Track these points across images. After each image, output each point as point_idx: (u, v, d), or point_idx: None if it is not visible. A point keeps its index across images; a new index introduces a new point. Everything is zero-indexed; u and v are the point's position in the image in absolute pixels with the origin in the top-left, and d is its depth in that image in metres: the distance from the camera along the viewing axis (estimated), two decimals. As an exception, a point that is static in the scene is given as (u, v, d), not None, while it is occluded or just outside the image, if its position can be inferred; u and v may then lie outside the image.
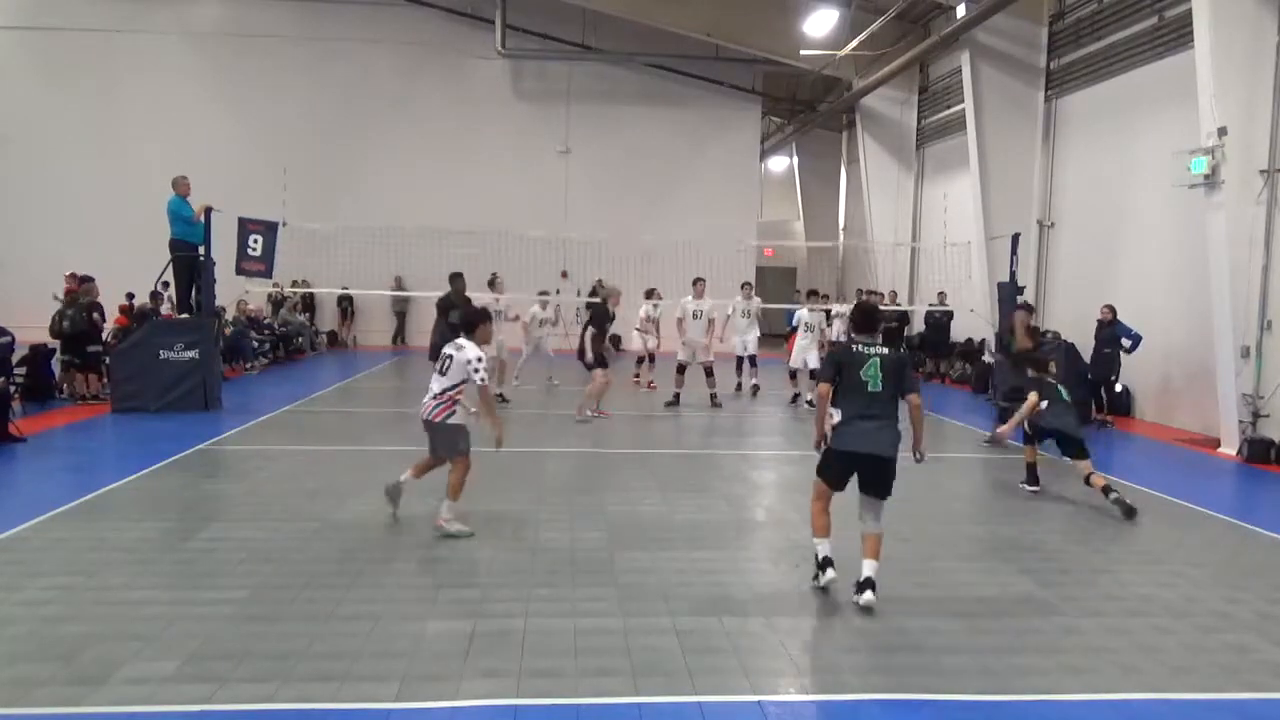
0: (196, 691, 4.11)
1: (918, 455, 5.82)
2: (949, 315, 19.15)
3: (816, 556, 5.68)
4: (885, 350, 5.70)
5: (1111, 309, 13.13)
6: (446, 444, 6.92)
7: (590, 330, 12.19)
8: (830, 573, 5.59)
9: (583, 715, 4.03)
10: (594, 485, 8.60)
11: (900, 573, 6.14)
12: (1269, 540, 7.32)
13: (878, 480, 5.57)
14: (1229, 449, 11.10)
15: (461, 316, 7.39)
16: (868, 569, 5.48)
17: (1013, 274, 14.31)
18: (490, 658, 4.57)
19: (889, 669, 4.58)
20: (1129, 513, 7.72)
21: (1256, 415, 11.05)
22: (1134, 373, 13.48)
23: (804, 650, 4.81)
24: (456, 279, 12.47)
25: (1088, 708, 4.25)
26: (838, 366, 5.72)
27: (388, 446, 10.34)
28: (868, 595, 5.40)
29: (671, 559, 6.29)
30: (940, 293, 19.72)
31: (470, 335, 6.90)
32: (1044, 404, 8.47)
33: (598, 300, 12.84)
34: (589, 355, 12.16)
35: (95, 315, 13.42)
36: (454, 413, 6.84)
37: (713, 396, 14.00)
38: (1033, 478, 8.89)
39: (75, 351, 12.98)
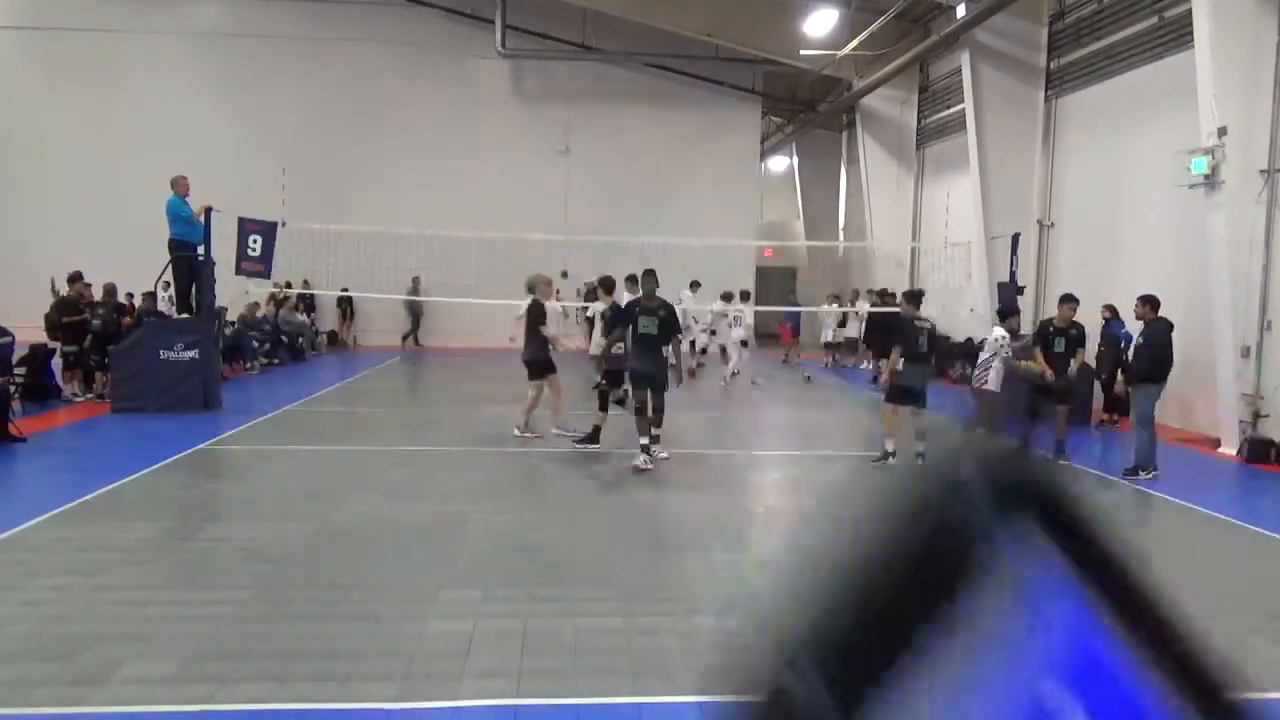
0: (196, 691, 4.11)
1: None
2: (893, 316, 18.86)
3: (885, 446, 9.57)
4: (929, 324, 10.08)
5: (1110, 309, 13.13)
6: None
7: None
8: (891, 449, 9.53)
9: (583, 715, 4.03)
10: (594, 485, 8.59)
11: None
12: (1269, 540, 7.31)
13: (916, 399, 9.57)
14: (1229, 449, 11.09)
15: (1004, 302, 10.55)
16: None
17: (1013, 274, 14.34)
18: (490, 658, 4.56)
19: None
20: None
21: (1256, 415, 11.05)
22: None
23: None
24: (649, 277, 10.07)
25: (1088, 708, 4.23)
26: (903, 336, 9.89)
27: (388, 446, 10.35)
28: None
29: (672, 559, 6.29)
30: (882, 289, 19.75)
31: (1006, 322, 10.21)
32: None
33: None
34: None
35: (127, 318, 13.54)
36: (987, 381, 9.73)
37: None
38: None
39: (97, 351, 13.04)
